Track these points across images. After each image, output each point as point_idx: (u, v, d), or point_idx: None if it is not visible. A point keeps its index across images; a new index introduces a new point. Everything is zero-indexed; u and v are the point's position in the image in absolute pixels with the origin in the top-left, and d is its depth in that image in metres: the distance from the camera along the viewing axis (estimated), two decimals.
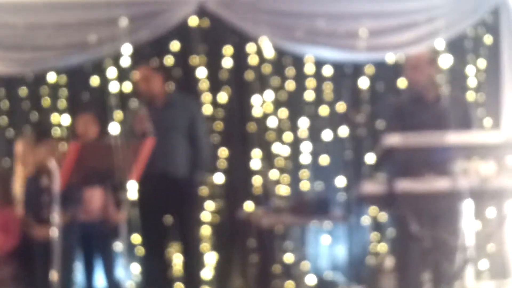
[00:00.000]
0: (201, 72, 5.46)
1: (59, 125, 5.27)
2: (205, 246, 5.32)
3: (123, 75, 5.33)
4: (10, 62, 5.33)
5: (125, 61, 5.33)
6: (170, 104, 4.71)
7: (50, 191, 4.13)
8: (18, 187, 4.64)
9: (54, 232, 3.72)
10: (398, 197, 3.08)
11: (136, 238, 5.09)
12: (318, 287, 5.16)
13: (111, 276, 4.43)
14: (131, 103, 5.19)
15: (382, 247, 5.38)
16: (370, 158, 5.40)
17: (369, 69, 5.54)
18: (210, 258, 5.33)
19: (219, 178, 5.39)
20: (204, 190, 5.30)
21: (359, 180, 4.36)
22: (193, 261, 4.86)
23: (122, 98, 5.27)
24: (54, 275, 3.88)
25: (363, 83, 5.53)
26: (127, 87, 5.33)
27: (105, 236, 4.45)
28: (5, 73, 5.32)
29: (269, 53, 5.50)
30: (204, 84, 5.47)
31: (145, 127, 4.50)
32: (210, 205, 5.37)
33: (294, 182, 5.51)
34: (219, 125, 5.45)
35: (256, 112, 5.50)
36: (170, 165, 4.61)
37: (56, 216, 3.70)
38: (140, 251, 5.13)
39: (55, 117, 5.32)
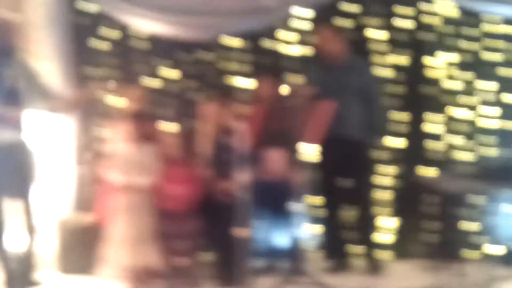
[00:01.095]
0: (378, 34, 5.30)
1: (242, 89, 5.40)
2: (383, 210, 5.23)
3: (302, 39, 5.32)
4: (194, 28, 5.51)
5: (304, 24, 5.32)
6: (346, 66, 4.63)
7: (235, 150, 4.27)
8: (202, 146, 4.84)
9: (239, 190, 3.80)
10: None
11: (314, 200, 5.13)
12: (504, 258, 4.87)
13: (293, 236, 4.48)
14: (309, 66, 5.20)
15: None
16: None
17: None
18: (389, 223, 5.23)
19: (397, 142, 5.22)
20: (381, 154, 5.19)
21: None
22: (368, 225, 4.81)
23: (302, 61, 5.27)
24: (238, 232, 4.02)
25: None
26: (306, 50, 5.32)
27: (284, 196, 4.50)
28: (190, 39, 5.55)
29: (451, 12, 5.19)
30: (381, 46, 5.31)
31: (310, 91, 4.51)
32: (388, 170, 5.24)
33: (477, 148, 5.22)
34: (397, 88, 5.27)
35: (437, 74, 5.25)
36: (346, 128, 4.56)
37: (241, 175, 3.77)
38: (317, 212, 5.16)
39: (237, 81, 5.46)
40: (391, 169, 5.26)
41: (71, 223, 5.00)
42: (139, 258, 4.24)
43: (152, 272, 4.41)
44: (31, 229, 4.20)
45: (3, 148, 3.96)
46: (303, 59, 5.31)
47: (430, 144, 5.27)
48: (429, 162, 5.21)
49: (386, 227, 5.22)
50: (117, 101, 5.50)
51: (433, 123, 5.27)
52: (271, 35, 5.43)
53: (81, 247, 4.85)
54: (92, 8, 5.49)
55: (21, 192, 4.16)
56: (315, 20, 5.26)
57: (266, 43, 5.44)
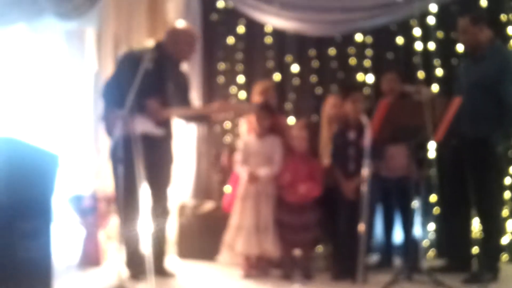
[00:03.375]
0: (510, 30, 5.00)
1: (364, 84, 5.32)
2: (505, 211, 4.93)
3: (428, 34, 5.14)
4: (320, 24, 5.52)
5: (431, 20, 5.14)
6: (483, 57, 4.37)
7: (357, 145, 4.20)
8: (324, 140, 4.82)
9: (363, 185, 3.73)
10: None
11: (434, 197, 4.97)
12: None
13: (409, 234, 4.36)
14: (434, 62, 5.02)
15: None
16: None
17: None
18: (510, 224, 4.93)
19: None
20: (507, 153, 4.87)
21: None
22: (492, 226, 4.51)
23: (427, 57, 5.10)
24: (357, 227, 3.96)
25: None
26: (431, 46, 5.13)
27: (405, 193, 4.36)
28: (316, 34, 5.55)
29: None
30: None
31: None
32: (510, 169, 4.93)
33: None
34: None
35: None
36: (471, 124, 4.32)
37: (365, 170, 3.70)
38: (438, 210, 4.99)
39: (360, 76, 5.38)
40: None
41: (191, 209, 5.18)
42: (257, 247, 4.31)
43: (268, 261, 4.49)
44: (166, 214, 4.39)
45: (155, 141, 4.19)
46: (430, 54, 5.12)
47: None
48: None
49: (508, 229, 4.92)
50: (243, 93, 5.64)
51: None
52: (398, 31, 5.30)
53: (200, 233, 5.02)
54: (221, 4, 5.67)
55: (162, 181, 4.35)
56: (441, 17, 5.06)
57: (392, 39, 5.32)
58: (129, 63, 4.14)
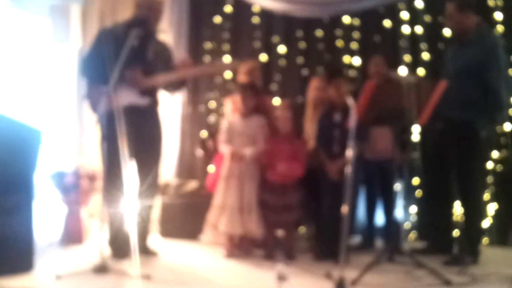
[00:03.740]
0: (498, 16, 5.00)
1: (351, 66, 5.30)
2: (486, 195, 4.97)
3: (415, 18, 5.12)
4: (308, 6, 5.47)
5: (419, 4, 5.11)
6: (470, 43, 4.36)
7: (342, 127, 4.19)
8: (308, 122, 4.81)
9: (347, 167, 3.72)
10: None
11: (417, 180, 4.99)
12: None
13: (391, 216, 4.37)
14: (421, 46, 5.02)
15: None
16: None
17: None
18: (490, 208, 4.98)
19: (506, 125, 4.92)
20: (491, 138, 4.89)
21: None
22: (473, 210, 4.53)
23: (414, 40, 5.08)
24: (339, 208, 3.96)
25: None
26: (418, 30, 5.12)
27: (388, 175, 4.36)
28: (303, 16, 5.50)
29: None
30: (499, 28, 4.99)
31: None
32: (494, 154, 4.96)
33: None
34: None
35: None
36: (457, 109, 4.32)
37: (350, 151, 3.69)
38: (420, 193, 5.02)
39: (347, 58, 5.36)
40: (498, 154, 4.96)
41: (174, 188, 5.15)
42: (240, 226, 4.30)
43: (251, 241, 4.49)
44: (153, 192, 4.35)
45: (141, 111, 4.15)
46: (417, 38, 5.11)
47: None
48: None
49: (488, 213, 4.96)
50: (228, 74, 5.61)
51: None
52: (385, 14, 5.28)
53: (183, 213, 5.00)
54: None
55: (152, 156, 4.30)
56: (428, 1, 5.05)
57: (380, 22, 5.29)
58: (104, 39, 4.12)
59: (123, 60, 3.69)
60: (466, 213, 4.47)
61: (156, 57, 4.26)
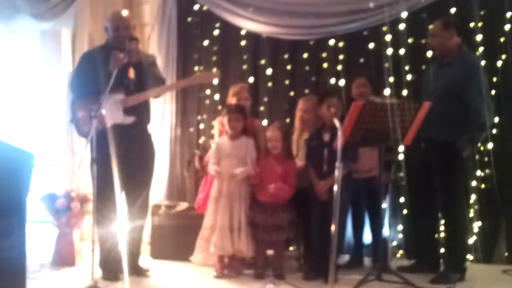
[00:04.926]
0: (478, 37, 5.09)
1: (336, 87, 5.36)
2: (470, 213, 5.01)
3: (398, 40, 5.21)
4: (294, 29, 5.55)
5: (402, 26, 5.20)
6: (451, 63, 4.44)
7: (331, 146, 4.23)
8: (297, 142, 4.85)
9: (335, 186, 3.75)
10: None
11: (403, 199, 5.03)
12: None
13: (379, 234, 4.41)
14: (405, 67, 5.09)
15: None
16: None
17: None
18: (475, 225, 5.00)
19: (489, 145, 4.97)
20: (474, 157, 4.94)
21: None
22: (456, 228, 4.56)
23: (397, 62, 5.16)
24: (328, 227, 3.99)
25: None
26: (402, 51, 5.20)
27: (374, 194, 4.43)
28: (290, 39, 5.57)
29: None
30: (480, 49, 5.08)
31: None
32: (478, 172, 4.99)
33: None
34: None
35: None
36: (439, 129, 4.38)
37: (338, 171, 3.72)
38: (406, 212, 5.06)
39: (332, 80, 5.42)
40: (481, 172, 5.02)
41: (164, 209, 5.14)
42: (230, 246, 4.32)
43: (242, 261, 4.50)
44: (144, 214, 4.37)
45: (130, 130, 4.18)
46: (401, 59, 5.18)
47: None
48: None
49: (473, 230, 5.00)
50: (217, 95, 5.65)
51: None
52: (369, 36, 5.36)
53: (173, 234, 4.97)
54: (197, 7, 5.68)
55: (143, 177, 4.33)
56: (411, 24, 5.14)
57: (364, 44, 5.37)
58: (86, 62, 4.23)
59: (101, 83, 3.75)
60: (450, 231, 4.52)
61: (140, 66, 4.27)
